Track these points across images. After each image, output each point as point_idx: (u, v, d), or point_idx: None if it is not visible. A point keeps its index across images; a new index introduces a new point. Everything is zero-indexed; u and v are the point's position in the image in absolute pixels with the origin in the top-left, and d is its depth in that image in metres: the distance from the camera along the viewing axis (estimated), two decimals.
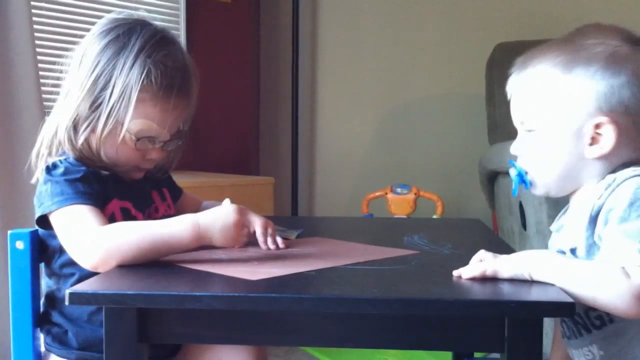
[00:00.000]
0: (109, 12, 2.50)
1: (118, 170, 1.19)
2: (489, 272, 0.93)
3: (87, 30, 1.22)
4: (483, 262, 0.95)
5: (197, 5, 2.88)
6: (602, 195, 0.97)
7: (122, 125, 1.13)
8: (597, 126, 0.99)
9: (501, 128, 2.86)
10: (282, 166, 3.26)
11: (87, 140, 1.15)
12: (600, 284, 0.89)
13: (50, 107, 1.95)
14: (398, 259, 1.08)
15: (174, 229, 1.04)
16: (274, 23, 3.31)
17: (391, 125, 3.32)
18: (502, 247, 1.23)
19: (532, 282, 0.93)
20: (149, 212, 1.24)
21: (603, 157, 1.00)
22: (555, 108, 1.01)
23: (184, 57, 1.20)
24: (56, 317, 1.18)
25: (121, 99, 1.12)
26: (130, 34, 1.16)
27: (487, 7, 3.21)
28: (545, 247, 1.20)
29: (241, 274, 0.95)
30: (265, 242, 1.14)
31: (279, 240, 1.15)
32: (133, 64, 1.13)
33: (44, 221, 1.12)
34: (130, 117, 1.13)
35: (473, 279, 0.94)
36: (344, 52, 3.31)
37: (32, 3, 2.14)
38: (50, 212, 1.09)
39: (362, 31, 3.29)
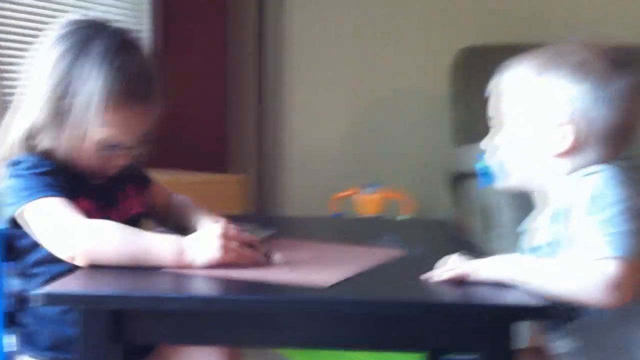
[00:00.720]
0: (71, 9, 2.48)
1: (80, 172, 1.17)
2: (462, 274, 0.96)
3: (48, 27, 1.20)
4: (458, 265, 0.98)
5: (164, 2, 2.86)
6: (563, 193, 1.04)
7: (84, 133, 1.11)
8: (560, 126, 1.06)
9: (466, 130, 2.89)
10: (250, 164, 3.25)
11: (46, 147, 1.13)
12: (576, 279, 0.94)
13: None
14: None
15: (157, 242, 1.03)
16: (242, 18, 3.29)
17: (358, 124, 3.34)
18: (471, 249, 1.25)
19: (508, 286, 0.95)
20: (112, 210, 1.21)
21: (565, 157, 1.07)
22: (525, 106, 1.09)
23: (146, 62, 1.18)
24: (25, 317, 1.16)
25: (85, 109, 1.10)
26: (89, 39, 1.13)
27: (456, 9, 3.24)
28: (508, 248, 1.25)
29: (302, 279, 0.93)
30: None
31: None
32: (95, 72, 1.10)
33: (12, 219, 1.09)
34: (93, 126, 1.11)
35: (446, 282, 0.96)
36: (312, 51, 3.31)
37: None
38: (21, 207, 1.07)
39: (331, 29, 3.29)
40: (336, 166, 3.30)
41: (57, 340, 1.14)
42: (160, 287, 0.95)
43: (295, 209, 3.21)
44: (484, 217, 2.42)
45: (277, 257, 1.05)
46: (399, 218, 2.83)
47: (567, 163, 1.07)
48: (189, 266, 1.01)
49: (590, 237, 0.96)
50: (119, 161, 1.18)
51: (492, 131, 1.14)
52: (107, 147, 1.14)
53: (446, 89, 3.02)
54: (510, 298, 0.92)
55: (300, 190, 3.30)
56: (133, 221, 1.20)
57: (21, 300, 1.17)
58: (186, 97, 2.88)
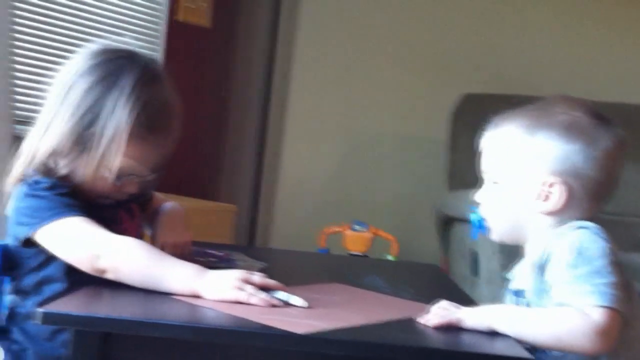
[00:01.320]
0: (90, 33, 2.52)
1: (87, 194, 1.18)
2: (452, 321, 0.98)
3: (67, 50, 1.21)
4: (447, 311, 1.00)
5: (177, 30, 2.90)
6: (548, 245, 1.07)
7: (104, 163, 1.13)
8: (550, 185, 1.09)
9: (461, 176, 2.92)
10: (242, 194, 3.27)
11: (63, 173, 1.14)
12: (565, 327, 0.98)
13: (21, 116, 1.93)
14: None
15: (176, 277, 1.02)
16: (249, 51, 3.34)
17: (353, 164, 3.37)
18: (460, 296, 1.28)
19: (493, 335, 0.97)
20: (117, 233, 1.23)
21: (552, 214, 1.10)
22: (515, 165, 1.12)
23: (169, 96, 1.20)
24: (16, 334, 1.16)
25: (112, 141, 1.11)
26: (119, 73, 1.14)
27: (458, 57, 3.30)
28: (495, 295, 1.29)
29: (283, 324, 0.90)
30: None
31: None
32: (122, 106, 1.12)
33: (27, 238, 1.10)
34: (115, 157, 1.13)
35: (436, 327, 0.98)
36: (314, 88, 3.35)
37: (14, 11, 2.13)
38: (40, 228, 1.08)
39: (333, 68, 3.35)
40: (327, 203, 3.32)
41: (44, 359, 1.14)
42: (153, 313, 0.96)
43: (283, 243, 3.22)
44: (473, 262, 2.44)
45: (296, 300, 1.01)
46: (388, 258, 2.85)
47: (552, 220, 1.11)
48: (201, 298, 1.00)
49: (574, 288, 1.00)
50: (131, 189, 1.19)
51: (485, 185, 1.17)
52: (122, 176, 1.16)
53: (441, 134, 3.07)
54: (498, 347, 0.93)
55: (290, 225, 3.32)
56: None
57: (14, 316, 1.17)
58: (185, 122, 2.91)
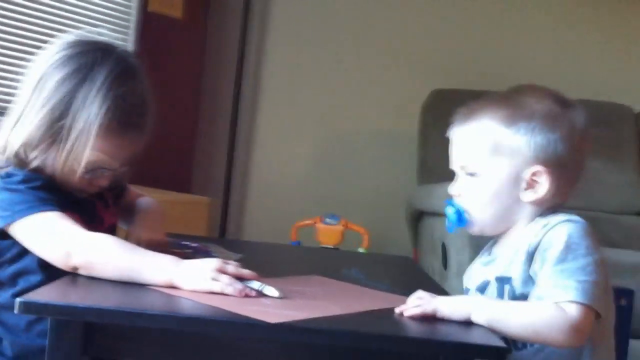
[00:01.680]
0: (63, 23, 2.49)
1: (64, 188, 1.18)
2: (429, 310, 1.00)
3: (40, 41, 1.20)
4: (423, 301, 1.02)
5: (148, 20, 2.87)
6: (538, 234, 1.09)
7: (75, 156, 1.12)
8: (534, 174, 1.12)
9: (430, 170, 2.96)
10: (214, 187, 3.27)
11: (38, 163, 1.13)
12: (540, 321, 1.01)
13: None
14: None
15: (152, 269, 1.02)
16: (221, 43, 3.33)
17: (325, 157, 3.39)
18: (433, 287, 1.30)
19: (467, 324, 0.99)
20: (95, 225, 1.22)
21: (536, 202, 1.13)
22: (497, 156, 1.13)
23: (143, 91, 1.20)
24: None
25: (82, 134, 1.11)
26: (93, 65, 1.14)
27: (427, 53, 3.33)
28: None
29: (256, 314, 0.91)
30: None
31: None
32: (97, 99, 1.11)
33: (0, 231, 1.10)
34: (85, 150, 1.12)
35: (413, 317, 1.00)
36: (286, 84, 3.36)
37: None
38: (13, 222, 1.07)
39: (305, 61, 3.35)
40: (298, 196, 3.33)
41: (22, 350, 1.14)
42: (132, 302, 0.96)
43: (255, 235, 3.23)
44: (443, 255, 2.47)
45: (269, 290, 1.02)
46: (360, 251, 2.87)
47: (535, 208, 1.14)
48: (178, 288, 1.01)
49: (558, 282, 1.03)
50: (103, 182, 1.19)
51: (459, 178, 1.18)
52: (93, 169, 1.15)
53: (412, 128, 3.10)
54: (474, 336, 0.96)
55: (263, 217, 3.32)
56: (110, 231, 1.21)
57: None
58: (159, 114, 2.89)
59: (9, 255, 1.14)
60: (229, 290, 0.99)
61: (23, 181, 1.11)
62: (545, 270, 1.05)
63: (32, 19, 2.40)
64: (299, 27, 3.34)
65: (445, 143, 1.22)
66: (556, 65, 3.28)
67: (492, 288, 1.15)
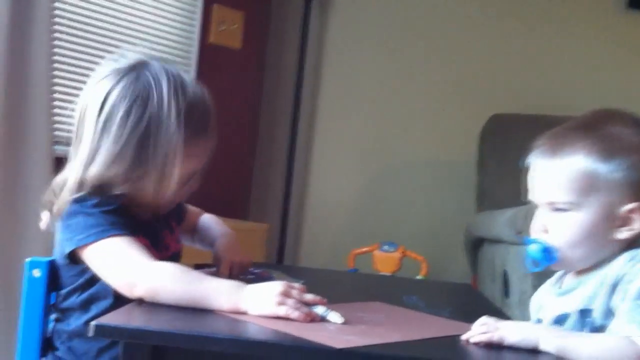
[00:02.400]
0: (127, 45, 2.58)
1: (134, 208, 1.20)
2: (495, 337, 0.98)
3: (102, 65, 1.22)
4: (489, 327, 1.00)
5: (209, 52, 2.95)
6: (623, 267, 1.05)
7: (171, 172, 1.16)
8: (631, 211, 1.07)
9: (489, 197, 2.93)
10: (271, 213, 3.30)
11: (128, 192, 1.16)
12: (612, 353, 0.97)
13: (60, 136, 1.95)
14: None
15: (218, 295, 1.03)
16: (279, 72, 3.39)
17: (382, 184, 3.39)
18: (496, 314, 1.28)
19: (535, 353, 0.97)
20: (161, 251, 1.25)
21: (630, 239, 1.09)
22: (592, 192, 1.08)
23: (200, 91, 1.23)
24: (62, 351, 1.18)
25: (170, 155, 1.14)
26: (149, 88, 1.15)
27: (484, 78, 3.32)
28: (527, 317, 1.27)
29: (321, 338, 0.92)
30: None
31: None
32: (168, 118, 1.14)
33: (71, 255, 1.13)
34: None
35: (479, 344, 0.98)
36: (343, 109, 3.38)
37: (54, 35, 2.19)
38: (86, 245, 1.10)
39: (361, 90, 3.38)
40: (355, 223, 3.33)
41: None
42: (199, 327, 0.98)
43: (312, 262, 3.24)
44: (504, 283, 2.43)
45: (333, 316, 1.02)
46: (418, 278, 2.85)
47: (624, 243, 1.09)
48: (243, 313, 1.02)
49: (637, 316, 0.99)
50: (194, 186, 1.25)
51: (543, 213, 1.14)
52: (188, 180, 1.21)
53: (469, 155, 3.08)
54: None
55: (319, 244, 3.33)
56: (174, 258, 1.24)
57: (59, 333, 1.19)
58: (219, 142, 2.95)
59: (81, 280, 1.17)
60: (294, 315, 0.99)
61: (97, 205, 1.13)
62: (625, 304, 1.01)
63: (96, 50, 2.48)
64: (355, 55, 3.37)
65: (504, 169, 1.21)
66: (616, 88, 3.22)
67: (571, 320, 1.10)
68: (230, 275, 1.25)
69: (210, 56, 2.95)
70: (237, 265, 1.28)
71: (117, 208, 1.15)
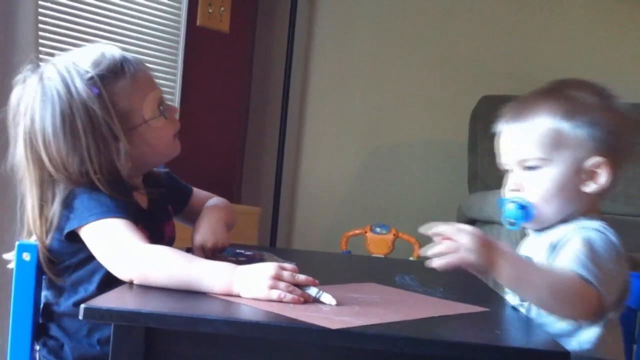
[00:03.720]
0: (112, 39, 2.55)
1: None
2: (456, 261, 1.03)
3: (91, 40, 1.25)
4: (448, 248, 1.04)
5: (197, 35, 2.92)
6: (568, 233, 1.13)
7: (144, 120, 1.21)
8: (595, 165, 1.15)
9: (481, 178, 2.93)
10: (264, 197, 3.29)
11: (113, 168, 1.18)
12: (564, 284, 1.05)
13: None
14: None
15: (210, 270, 1.03)
16: (268, 55, 3.37)
17: (374, 166, 3.38)
18: (489, 293, 1.28)
19: (528, 329, 0.98)
20: (156, 238, 1.24)
21: (597, 193, 1.16)
22: (560, 149, 1.16)
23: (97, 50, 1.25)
24: (54, 330, 1.18)
25: (106, 124, 1.17)
26: (55, 85, 1.18)
27: (475, 60, 3.31)
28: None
29: (316, 319, 0.92)
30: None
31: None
32: (84, 89, 1.17)
33: (71, 233, 1.13)
34: (139, 109, 1.21)
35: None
36: (333, 91, 3.37)
37: (40, 10, 2.17)
38: (87, 223, 1.11)
39: (352, 73, 3.37)
40: (348, 206, 3.33)
41: (83, 356, 1.16)
42: (194, 309, 0.97)
43: (305, 245, 3.24)
44: None
45: (326, 298, 1.02)
46: (411, 260, 2.85)
47: (595, 199, 1.17)
48: (237, 296, 1.02)
49: (581, 260, 1.06)
50: (176, 122, 1.29)
51: (516, 173, 1.20)
52: (162, 108, 1.25)
53: (462, 137, 3.07)
54: (535, 342, 0.94)
55: (312, 226, 3.33)
56: (169, 244, 1.24)
57: (51, 313, 1.20)
58: (208, 125, 2.94)
59: (74, 260, 1.17)
60: (287, 298, 0.99)
61: (98, 188, 1.15)
62: (567, 250, 1.09)
63: (81, 34, 2.46)
64: (345, 38, 3.36)
65: (494, 150, 1.23)
66: (607, 69, 3.22)
67: None
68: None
69: (198, 39, 2.92)
70: (207, 250, 1.27)
71: (119, 192, 1.16)
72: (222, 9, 3.04)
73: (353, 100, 3.37)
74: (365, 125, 3.38)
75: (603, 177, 1.15)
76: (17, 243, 1.15)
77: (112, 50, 1.24)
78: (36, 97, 1.17)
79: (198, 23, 2.94)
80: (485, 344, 0.93)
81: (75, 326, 1.17)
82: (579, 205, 1.17)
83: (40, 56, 2.12)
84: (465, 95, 3.12)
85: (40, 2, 2.18)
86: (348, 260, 1.72)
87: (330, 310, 0.98)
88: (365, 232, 2.92)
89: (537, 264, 1.12)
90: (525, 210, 1.17)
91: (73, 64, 1.19)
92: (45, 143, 1.16)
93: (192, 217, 1.37)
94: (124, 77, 1.20)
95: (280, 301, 0.99)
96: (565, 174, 1.15)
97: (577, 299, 1.04)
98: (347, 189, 3.37)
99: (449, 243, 1.04)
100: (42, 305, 1.21)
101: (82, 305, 0.87)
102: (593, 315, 1.07)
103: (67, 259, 1.18)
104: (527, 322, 1.07)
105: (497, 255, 1.03)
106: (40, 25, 2.19)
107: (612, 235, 1.12)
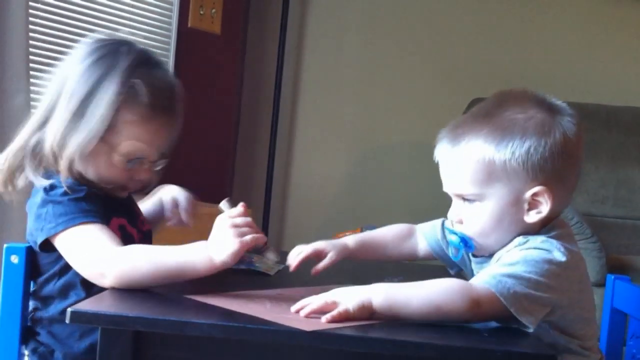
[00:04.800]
0: (104, 30, 2.54)
1: (105, 188, 1.19)
2: (341, 310, 0.96)
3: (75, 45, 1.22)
4: (326, 305, 0.97)
5: (188, 36, 2.92)
6: (510, 250, 1.07)
7: (113, 147, 1.14)
8: (535, 194, 1.07)
9: None
10: (255, 198, 3.29)
11: (71, 160, 1.14)
12: (440, 291, 0.98)
13: None
14: None
15: (188, 256, 1.03)
16: (259, 57, 3.37)
17: (365, 168, 3.39)
18: None
19: (511, 333, 0.98)
20: (138, 226, 1.25)
21: (540, 221, 1.09)
22: (494, 181, 1.07)
23: (170, 77, 1.21)
24: (44, 336, 1.18)
25: (102, 115, 1.12)
26: (115, 55, 1.15)
27: (466, 62, 3.32)
28: None
29: (293, 322, 0.93)
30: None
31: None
32: (118, 83, 1.12)
33: (45, 243, 1.11)
34: (120, 140, 1.13)
35: (309, 315, 0.96)
36: (325, 93, 3.37)
37: (31, 19, 2.16)
38: (56, 234, 1.09)
39: (343, 74, 3.37)
40: (338, 208, 3.33)
41: None
42: (180, 312, 0.97)
43: (295, 246, 3.23)
44: None
45: (270, 254, 1.08)
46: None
47: (538, 225, 1.10)
48: (222, 267, 1.02)
49: (489, 271, 1.02)
50: (144, 175, 1.20)
51: (456, 203, 1.13)
52: (133, 160, 1.16)
53: None
54: (522, 345, 0.94)
55: (302, 228, 3.33)
56: (147, 235, 1.23)
57: (39, 319, 1.19)
58: (198, 128, 2.93)
59: (57, 268, 1.16)
60: (261, 240, 1.03)
61: (65, 193, 1.12)
62: (493, 267, 1.04)
63: (70, 35, 2.45)
64: (337, 40, 3.36)
65: None
66: (598, 72, 3.23)
67: None
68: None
69: (189, 40, 2.92)
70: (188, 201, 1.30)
71: (86, 195, 1.13)
72: (214, 10, 3.03)
73: (345, 102, 3.37)
74: (357, 126, 3.38)
75: (545, 206, 1.07)
76: (4, 246, 1.14)
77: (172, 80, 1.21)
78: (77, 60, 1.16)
79: (189, 24, 2.93)
80: (472, 346, 0.93)
81: (65, 332, 1.16)
82: (522, 231, 1.09)
83: (31, 57, 2.13)
84: (457, 98, 3.12)
85: (30, 3, 2.17)
86: (338, 262, 1.72)
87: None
88: (355, 233, 2.91)
89: (413, 284, 1.02)
90: (465, 243, 1.12)
91: (141, 62, 1.17)
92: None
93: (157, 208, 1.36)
94: (155, 112, 1.16)
95: (252, 244, 1.02)
96: (503, 207, 1.08)
97: (465, 297, 0.97)
98: (338, 190, 3.37)
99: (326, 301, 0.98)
100: (30, 310, 1.20)
101: (69, 309, 0.87)
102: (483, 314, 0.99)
103: (49, 268, 1.17)
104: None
105: (368, 292, 0.98)
106: (31, 27, 2.19)
107: (554, 250, 1.05)
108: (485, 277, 1.01)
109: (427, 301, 0.98)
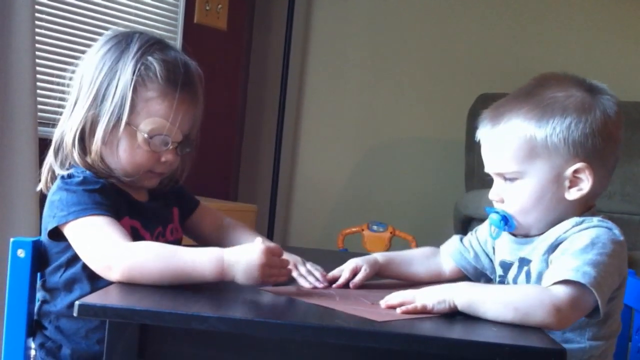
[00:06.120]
0: (110, 25, 2.54)
1: (131, 180, 1.18)
2: (418, 306, 0.98)
3: (87, 44, 1.24)
4: (404, 298, 1.00)
5: (194, 32, 2.91)
6: (568, 230, 1.08)
7: (136, 126, 1.15)
8: (576, 171, 1.09)
9: (478, 176, 2.93)
10: (261, 194, 3.29)
11: (97, 149, 1.15)
12: (521, 299, 0.99)
13: (44, 118, 1.95)
14: None
15: (198, 261, 1.02)
16: (265, 53, 3.36)
17: (371, 164, 3.38)
18: None
19: (521, 328, 0.97)
20: (157, 233, 1.23)
21: (582, 199, 1.11)
22: (535, 159, 1.10)
23: (184, 57, 1.22)
24: (51, 331, 1.17)
25: (121, 97, 1.13)
26: (128, 40, 1.18)
27: (472, 58, 3.31)
28: None
29: (362, 313, 0.94)
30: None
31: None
32: (131, 63, 1.14)
33: (55, 232, 1.11)
34: (142, 119, 1.14)
35: (392, 307, 0.99)
36: (331, 89, 3.37)
37: (37, 15, 2.16)
38: (67, 222, 1.09)
39: (349, 70, 3.36)
40: (344, 203, 3.33)
41: (82, 357, 1.15)
42: (188, 306, 0.97)
43: (302, 242, 3.23)
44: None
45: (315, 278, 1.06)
46: None
47: (579, 204, 1.12)
48: (231, 281, 1.02)
49: (567, 263, 1.02)
50: (169, 156, 1.19)
51: (497, 183, 1.15)
52: (156, 137, 1.16)
53: (458, 135, 3.07)
54: (530, 340, 0.94)
55: (308, 225, 3.33)
56: (174, 244, 1.22)
57: (47, 314, 1.18)
58: (203, 123, 2.92)
59: (64, 258, 1.15)
60: (281, 279, 1.03)
61: (81, 183, 1.12)
62: (562, 257, 1.04)
63: (77, 31, 2.45)
64: (342, 36, 3.35)
65: None
66: (605, 68, 3.22)
67: (514, 267, 1.15)
68: None
69: (195, 36, 2.92)
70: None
71: (102, 188, 1.13)
72: (220, 6, 3.03)
73: (350, 98, 3.37)
74: (363, 122, 3.37)
75: (586, 183, 1.09)
76: (11, 240, 1.14)
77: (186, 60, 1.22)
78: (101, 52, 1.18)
79: (195, 20, 2.93)
80: (481, 341, 0.93)
81: (73, 327, 1.15)
82: (564, 210, 1.11)
83: (37, 53, 2.13)
84: (463, 93, 3.11)
85: (36, 0, 2.17)
86: (344, 258, 1.71)
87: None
88: (362, 229, 2.91)
89: (496, 287, 1.09)
90: (506, 222, 1.13)
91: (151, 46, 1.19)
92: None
93: (195, 230, 1.36)
94: (171, 87, 1.17)
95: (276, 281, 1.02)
96: (544, 184, 1.10)
97: (546, 307, 0.98)
98: (344, 186, 3.37)
99: (405, 296, 1.01)
100: (38, 304, 1.20)
101: (77, 302, 0.87)
102: (566, 319, 1.00)
103: (57, 258, 1.16)
104: None
105: (452, 292, 1.00)
106: (37, 22, 2.18)
107: (613, 228, 1.08)
108: (566, 272, 1.00)
109: (507, 306, 0.98)
